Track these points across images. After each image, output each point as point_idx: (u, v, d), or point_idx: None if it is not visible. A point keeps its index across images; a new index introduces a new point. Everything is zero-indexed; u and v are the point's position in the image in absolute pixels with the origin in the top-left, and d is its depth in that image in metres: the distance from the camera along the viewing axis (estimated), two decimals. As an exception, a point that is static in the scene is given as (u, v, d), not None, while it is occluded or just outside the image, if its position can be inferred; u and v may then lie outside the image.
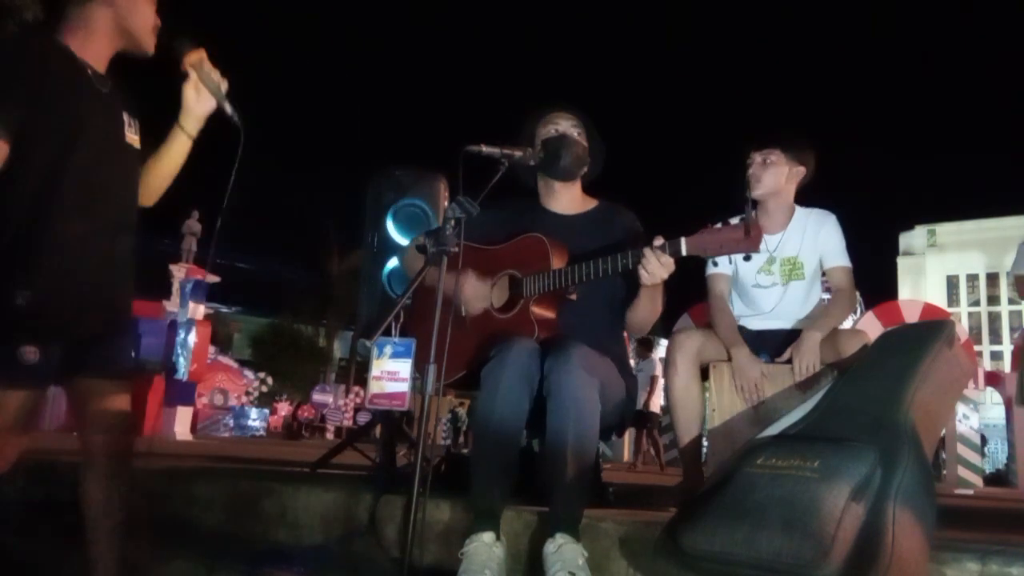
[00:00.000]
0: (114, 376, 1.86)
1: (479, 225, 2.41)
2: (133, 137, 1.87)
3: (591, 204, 2.51)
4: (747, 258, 1.97)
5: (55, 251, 1.70)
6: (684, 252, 1.99)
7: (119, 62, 1.87)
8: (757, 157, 2.70)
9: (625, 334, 2.58)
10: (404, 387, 1.89)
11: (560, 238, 2.28)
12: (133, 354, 2.03)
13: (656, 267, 2.00)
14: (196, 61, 1.87)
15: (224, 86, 1.89)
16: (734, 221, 1.97)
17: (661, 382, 9.16)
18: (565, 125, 2.42)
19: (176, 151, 1.93)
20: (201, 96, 1.89)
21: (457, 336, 2.17)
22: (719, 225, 1.98)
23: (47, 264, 1.69)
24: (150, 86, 2.03)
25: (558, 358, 1.98)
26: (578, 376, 1.95)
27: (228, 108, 1.89)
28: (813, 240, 2.66)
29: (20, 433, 1.75)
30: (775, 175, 2.68)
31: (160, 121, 1.93)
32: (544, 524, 1.96)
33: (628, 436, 11.94)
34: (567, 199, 2.48)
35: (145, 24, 1.84)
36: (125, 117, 1.85)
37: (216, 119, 1.94)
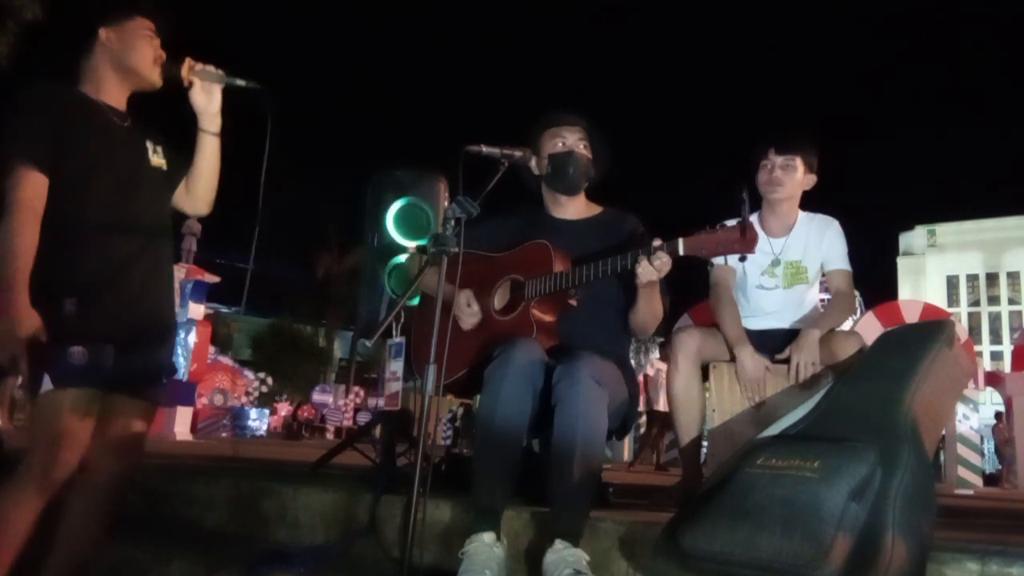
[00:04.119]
0: (144, 399, 1.99)
1: (488, 234, 2.43)
2: (159, 161, 2.06)
3: (596, 210, 2.52)
4: (742, 259, 1.99)
5: (97, 265, 1.87)
6: (681, 252, 2.01)
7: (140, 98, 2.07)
8: (779, 159, 2.67)
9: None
10: (398, 386, 1.90)
11: (565, 242, 2.29)
12: (166, 369, 2.07)
13: (649, 267, 2.02)
14: (188, 70, 2.03)
15: (221, 72, 2.05)
16: (730, 223, 1.97)
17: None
18: (572, 139, 2.40)
19: (207, 153, 2.11)
20: (210, 94, 2.06)
21: (457, 336, 2.18)
22: (716, 227, 1.99)
23: (91, 276, 1.85)
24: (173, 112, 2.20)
25: (568, 369, 1.98)
26: (588, 388, 1.95)
27: (240, 82, 2.04)
28: (817, 245, 2.68)
29: (80, 435, 1.81)
30: (794, 182, 2.68)
31: (186, 137, 2.12)
32: (544, 525, 1.96)
33: (628, 436, 11.95)
34: (572, 208, 2.50)
35: (144, 60, 1.99)
36: (148, 145, 2.04)
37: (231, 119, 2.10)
